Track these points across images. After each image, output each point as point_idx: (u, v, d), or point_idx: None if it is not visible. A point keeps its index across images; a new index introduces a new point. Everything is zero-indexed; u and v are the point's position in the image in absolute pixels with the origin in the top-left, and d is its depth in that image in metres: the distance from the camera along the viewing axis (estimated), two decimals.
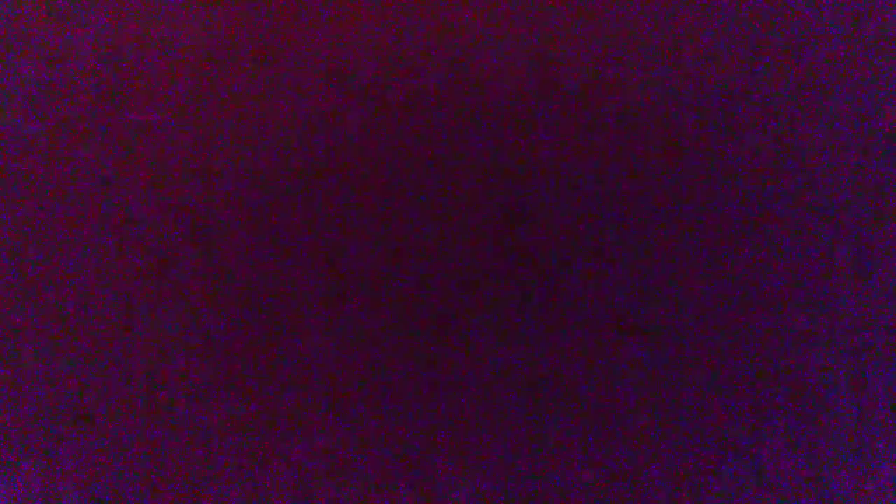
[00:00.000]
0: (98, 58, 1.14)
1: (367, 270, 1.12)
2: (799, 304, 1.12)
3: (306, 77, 1.14)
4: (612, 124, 1.13)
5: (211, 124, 1.13)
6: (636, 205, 1.12)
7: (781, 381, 1.11)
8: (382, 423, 1.11)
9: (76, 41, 1.14)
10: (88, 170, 1.13)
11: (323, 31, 1.14)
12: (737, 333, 1.12)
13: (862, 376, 1.12)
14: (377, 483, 1.11)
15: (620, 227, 1.12)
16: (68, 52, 1.14)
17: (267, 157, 1.13)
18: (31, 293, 1.12)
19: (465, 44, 1.14)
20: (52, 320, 1.12)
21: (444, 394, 1.11)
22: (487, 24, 1.14)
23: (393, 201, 1.13)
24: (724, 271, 1.12)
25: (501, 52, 1.14)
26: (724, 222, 1.13)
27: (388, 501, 1.11)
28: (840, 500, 1.11)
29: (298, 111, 1.14)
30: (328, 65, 1.14)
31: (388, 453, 1.11)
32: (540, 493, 1.11)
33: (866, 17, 1.15)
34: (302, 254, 1.12)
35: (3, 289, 1.12)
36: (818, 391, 1.11)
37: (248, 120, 1.13)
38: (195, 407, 1.11)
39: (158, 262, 1.12)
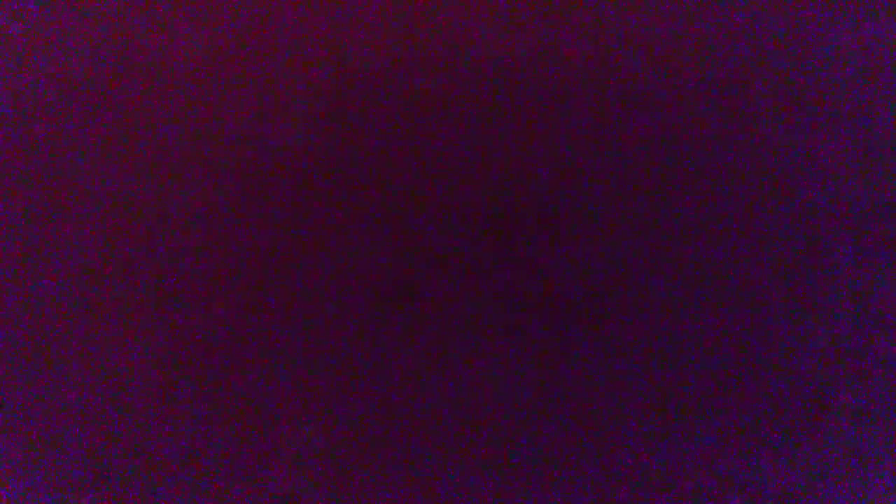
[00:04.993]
0: (98, 57, 1.14)
1: (366, 269, 1.12)
2: (799, 304, 1.12)
3: (307, 76, 1.14)
4: (612, 123, 1.13)
5: (211, 124, 1.13)
6: (636, 203, 1.12)
7: (781, 381, 1.12)
8: (382, 424, 1.11)
9: (76, 40, 1.14)
10: (87, 169, 1.13)
11: (324, 30, 1.14)
12: (736, 333, 1.12)
13: (862, 376, 1.12)
14: (376, 483, 1.11)
15: (620, 226, 1.12)
16: (68, 52, 1.14)
17: (267, 155, 1.13)
18: (31, 293, 1.12)
19: (467, 42, 1.14)
20: (51, 320, 1.12)
21: (443, 394, 1.11)
22: (489, 22, 1.14)
23: (392, 199, 1.13)
24: (724, 271, 1.12)
25: (503, 49, 1.14)
26: (724, 222, 1.13)
27: (388, 501, 1.11)
28: (840, 500, 1.11)
29: (299, 110, 1.14)
30: (330, 63, 1.14)
31: (387, 453, 1.11)
32: (540, 493, 1.11)
33: (866, 17, 1.15)
34: (301, 253, 1.12)
35: (2, 289, 1.12)
36: (818, 391, 1.12)
37: (249, 120, 1.13)
38: (193, 407, 1.11)
39: (157, 261, 1.12)
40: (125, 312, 1.12)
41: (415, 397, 1.11)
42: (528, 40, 1.14)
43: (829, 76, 1.14)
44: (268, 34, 1.14)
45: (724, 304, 1.12)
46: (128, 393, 1.11)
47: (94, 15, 1.14)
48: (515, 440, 1.11)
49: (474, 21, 1.14)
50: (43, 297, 1.12)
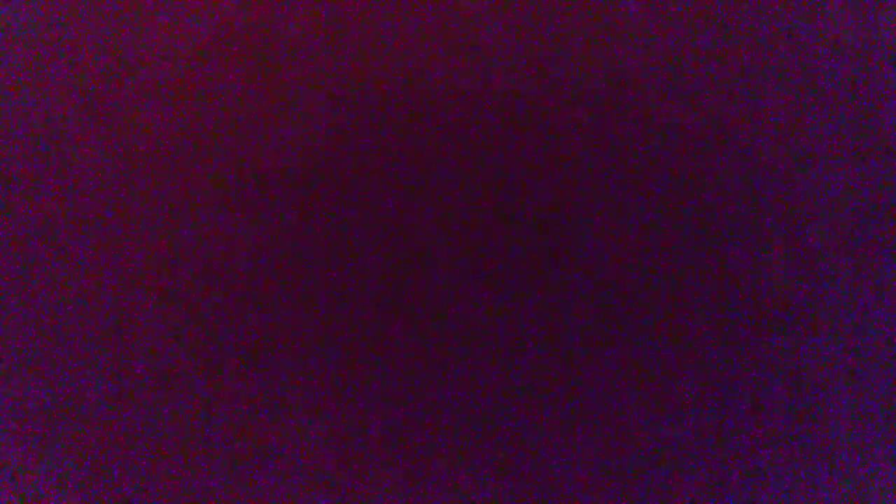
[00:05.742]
0: (99, 67, 1.14)
1: (366, 271, 1.12)
2: (798, 304, 1.12)
3: (310, 82, 1.14)
4: (612, 128, 1.13)
5: (212, 125, 1.13)
6: (637, 205, 1.12)
7: (781, 381, 1.11)
8: (382, 424, 1.11)
9: (77, 43, 1.14)
10: (88, 171, 1.13)
11: (326, 40, 1.14)
12: (736, 334, 1.12)
13: (862, 376, 1.12)
14: (377, 483, 1.11)
15: (621, 227, 1.12)
16: (70, 55, 1.14)
17: (268, 157, 1.13)
18: (31, 293, 1.12)
19: (467, 53, 1.14)
20: (51, 320, 1.12)
21: (443, 394, 1.11)
22: (489, 35, 1.14)
23: (392, 201, 1.13)
24: (724, 272, 1.12)
25: (503, 59, 1.14)
26: (724, 223, 1.13)
27: (388, 501, 1.11)
28: (840, 500, 1.11)
29: (302, 114, 1.14)
30: (332, 70, 1.14)
31: (387, 453, 1.11)
32: (539, 492, 1.11)
33: (866, 17, 1.15)
34: (303, 255, 1.12)
35: (3, 289, 1.12)
36: (818, 391, 1.11)
37: (250, 120, 1.13)
38: (194, 407, 1.11)
39: (158, 262, 1.12)
40: (127, 313, 1.12)
41: (416, 397, 1.11)
42: (530, 51, 1.14)
43: (830, 76, 1.14)
44: (268, 54, 1.14)
45: (724, 304, 1.12)
46: (128, 393, 1.11)
47: (100, 19, 1.14)
48: (516, 440, 1.11)
49: (475, 36, 1.14)
50: (44, 297, 1.12)
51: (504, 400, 1.11)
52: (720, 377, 1.11)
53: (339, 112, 1.14)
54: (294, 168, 1.13)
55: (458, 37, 1.14)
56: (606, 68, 1.14)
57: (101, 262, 1.12)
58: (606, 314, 1.12)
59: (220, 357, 1.11)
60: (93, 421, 1.11)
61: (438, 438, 1.11)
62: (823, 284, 1.12)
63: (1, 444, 1.11)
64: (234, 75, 1.14)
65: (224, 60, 1.14)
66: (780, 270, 1.09)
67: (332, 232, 1.12)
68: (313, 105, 1.14)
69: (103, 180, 1.13)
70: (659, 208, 1.12)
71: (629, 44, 1.14)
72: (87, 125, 1.13)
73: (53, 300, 1.12)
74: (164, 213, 1.12)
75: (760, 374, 1.11)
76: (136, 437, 1.11)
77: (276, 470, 1.11)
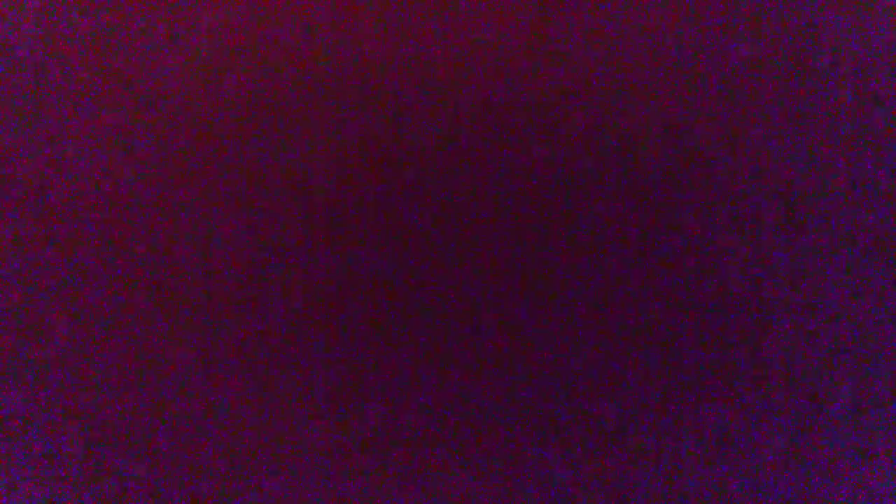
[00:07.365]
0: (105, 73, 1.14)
1: (365, 272, 1.12)
2: (799, 304, 1.12)
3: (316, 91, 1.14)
4: (611, 128, 1.13)
5: (213, 129, 1.14)
6: (638, 204, 1.12)
7: (781, 381, 1.11)
8: (381, 424, 1.11)
9: (80, 50, 1.14)
10: (89, 172, 1.13)
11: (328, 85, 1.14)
12: (736, 334, 1.12)
13: (862, 376, 1.12)
14: (376, 483, 1.11)
15: (622, 226, 1.12)
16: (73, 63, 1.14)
17: (269, 160, 1.13)
18: (31, 293, 1.12)
19: (464, 53, 1.14)
20: (52, 320, 1.12)
21: (443, 394, 1.11)
22: (488, 33, 1.14)
23: (395, 197, 1.13)
24: (724, 272, 1.12)
25: (503, 62, 1.14)
26: (724, 223, 1.13)
27: (388, 501, 1.11)
28: (840, 500, 1.11)
29: (303, 118, 1.14)
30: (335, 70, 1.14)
31: (387, 453, 1.11)
32: (538, 492, 1.11)
33: (866, 17, 1.15)
34: (302, 256, 1.12)
35: (2, 289, 1.12)
36: (818, 391, 1.11)
37: (251, 122, 1.14)
38: (196, 407, 1.11)
39: (159, 263, 1.12)
40: (127, 313, 1.12)
41: (415, 398, 1.11)
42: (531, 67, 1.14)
43: (829, 76, 1.14)
44: (270, 107, 1.14)
45: (724, 304, 1.12)
46: (129, 393, 1.11)
47: (106, 33, 1.15)
48: (514, 440, 1.11)
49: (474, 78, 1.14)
50: (47, 297, 1.12)
51: (503, 400, 1.11)
52: (720, 377, 1.11)
53: (340, 112, 1.14)
54: (293, 169, 1.13)
55: (457, 37, 1.14)
56: (606, 68, 1.14)
57: (101, 263, 1.12)
58: (606, 314, 1.12)
59: (220, 357, 1.12)
60: (93, 421, 1.11)
61: (437, 439, 1.11)
62: (823, 284, 1.12)
63: (1, 443, 1.11)
64: (236, 75, 1.14)
65: (226, 59, 1.14)
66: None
67: (331, 232, 1.13)
68: (315, 109, 1.14)
69: (103, 181, 1.13)
70: (659, 209, 1.12)
71: (629, 43, 1.14)
72: (85, 127, 1.14)
73: (53, 300, 1.12)
74: (164, 215, 1.13)
75: (760, 374, 1.11)
76: (136, 436, 1.11)
77: (275, 470, 1.11)
